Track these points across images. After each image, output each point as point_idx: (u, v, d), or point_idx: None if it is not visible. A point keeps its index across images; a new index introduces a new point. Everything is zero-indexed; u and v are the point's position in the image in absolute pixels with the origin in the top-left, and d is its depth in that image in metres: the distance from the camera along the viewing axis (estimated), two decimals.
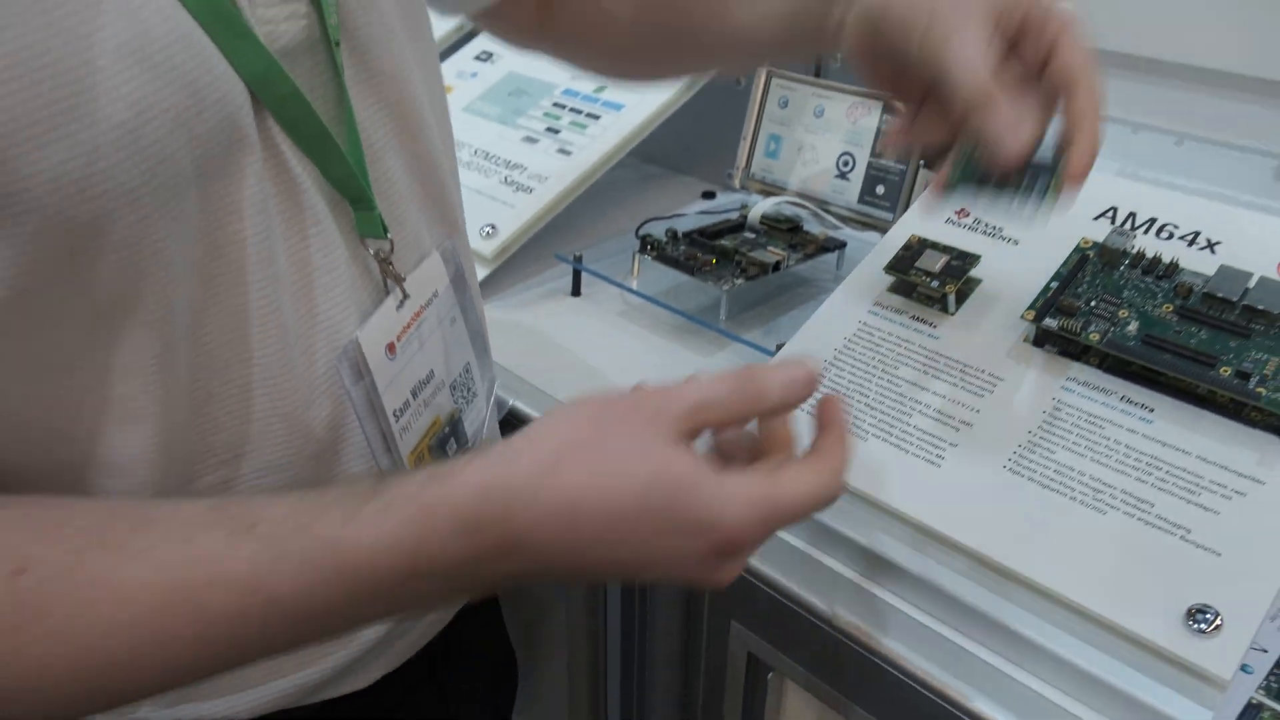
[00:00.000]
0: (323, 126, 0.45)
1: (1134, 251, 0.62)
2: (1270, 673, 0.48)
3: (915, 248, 0.67)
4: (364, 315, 0.50)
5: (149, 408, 0.42)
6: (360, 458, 0.51)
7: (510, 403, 0.75)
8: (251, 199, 0.42)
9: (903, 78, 0.52)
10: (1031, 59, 0.49)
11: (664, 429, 0.39)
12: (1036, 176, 0.43)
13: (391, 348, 0.51)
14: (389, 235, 0.49)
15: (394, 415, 0.52)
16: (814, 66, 1.12)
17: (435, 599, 0.45)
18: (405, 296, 0.52)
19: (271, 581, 0.36)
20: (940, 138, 0.51)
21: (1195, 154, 0.71)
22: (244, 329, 0.44)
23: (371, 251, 0.50)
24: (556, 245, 0.92)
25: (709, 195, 1.08)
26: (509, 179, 0.95)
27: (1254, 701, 0.47)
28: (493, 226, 0.90)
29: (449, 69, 1.10)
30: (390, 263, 0.50)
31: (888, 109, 0.87)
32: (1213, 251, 0.63)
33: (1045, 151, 0.46)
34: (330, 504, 0.38)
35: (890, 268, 0.66)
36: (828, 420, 0.44)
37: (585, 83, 1.03)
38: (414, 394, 0.54)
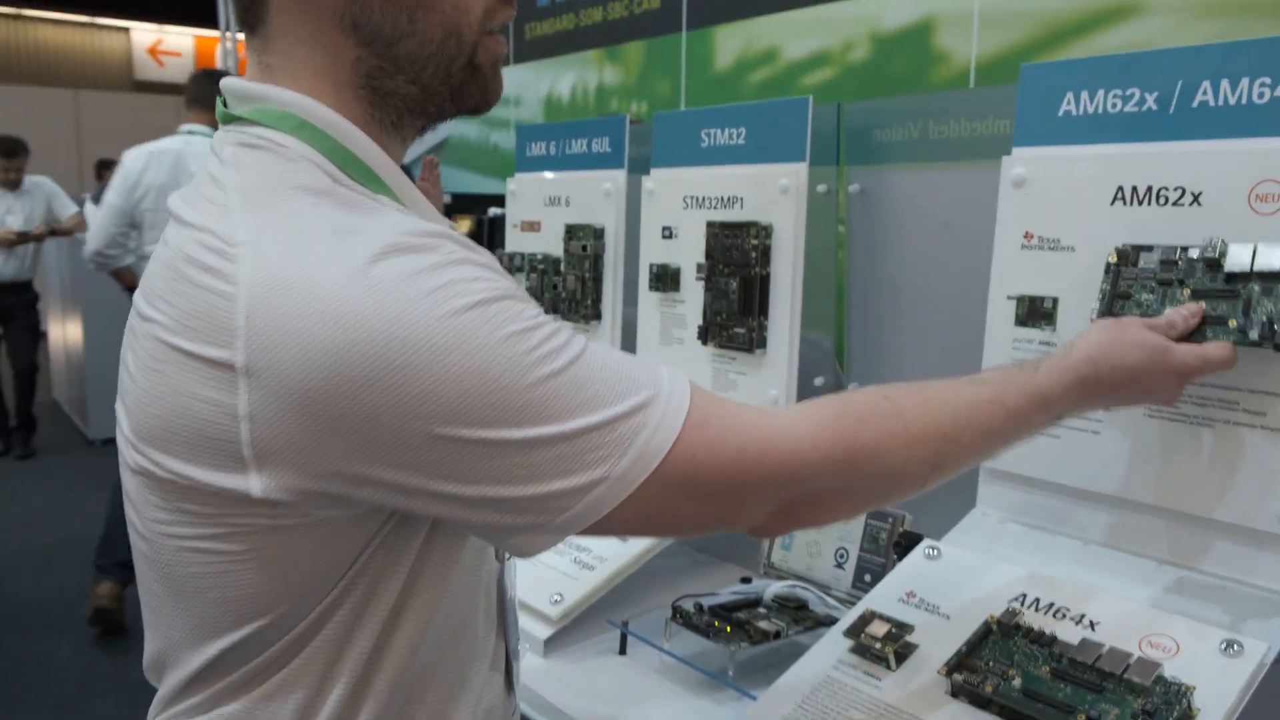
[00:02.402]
0: None
1: (1024, 625, 0.82)
2: None
3: (867, 618, 0.88)
4: None
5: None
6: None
7: None
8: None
9: None
10: None
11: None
12: None
13: None
14: None
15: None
16: None
17: (1058, 417, 0.77)
18: None
19: (1006, 399, 0.72)
20: None
21: (1096, 555, 0.91)
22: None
23: None
24: (611, 611, 1.15)
25: (746, 580, 1.31)
26: (577, 559, 1.20)
27: None
28: (560, 595, 1.14)
29: None
30: None
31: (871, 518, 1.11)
32: (1092, 629, 0.82)
33: None
34: (1019, 371, 0.75)
35: (847, 632, 0.87)
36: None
37: None
38: None
